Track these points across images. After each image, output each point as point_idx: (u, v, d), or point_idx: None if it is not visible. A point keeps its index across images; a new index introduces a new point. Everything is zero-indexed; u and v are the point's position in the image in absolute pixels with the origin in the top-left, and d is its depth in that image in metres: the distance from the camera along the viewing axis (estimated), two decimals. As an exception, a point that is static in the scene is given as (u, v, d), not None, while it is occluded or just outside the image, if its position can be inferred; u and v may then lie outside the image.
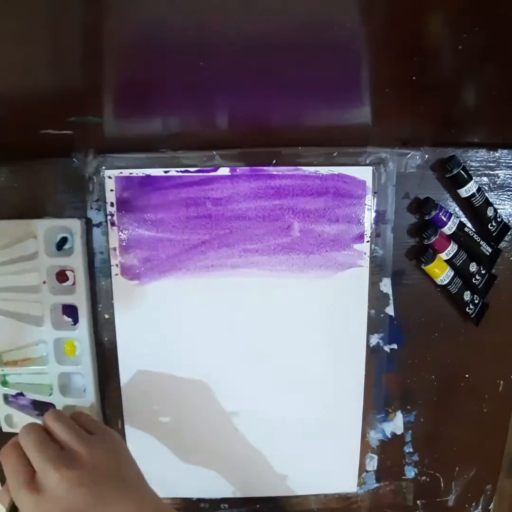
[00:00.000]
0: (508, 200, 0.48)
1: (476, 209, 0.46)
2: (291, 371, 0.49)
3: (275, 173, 0.45)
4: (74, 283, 0.47)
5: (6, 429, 0.49)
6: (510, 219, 0.48)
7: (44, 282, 0.46)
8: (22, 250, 0.46)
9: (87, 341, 0.47)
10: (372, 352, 0.49)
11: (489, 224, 0.47)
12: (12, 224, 0.46)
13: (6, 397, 0.49)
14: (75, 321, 0.47)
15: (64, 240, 0.47)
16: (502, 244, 0.48)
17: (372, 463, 0.52)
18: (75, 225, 0.45)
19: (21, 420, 0.49)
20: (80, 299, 0.46)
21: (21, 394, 0.49)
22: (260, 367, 0.49)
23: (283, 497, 0.52)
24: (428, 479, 0.53)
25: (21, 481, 0.31)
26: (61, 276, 0.47)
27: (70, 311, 0.48)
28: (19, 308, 0.47)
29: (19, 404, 0.49)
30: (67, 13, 0.22)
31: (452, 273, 0.46)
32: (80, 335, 0.47)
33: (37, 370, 0.48)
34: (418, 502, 0.54)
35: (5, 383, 0.49)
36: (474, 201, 0.46)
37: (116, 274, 0.47)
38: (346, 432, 0.51)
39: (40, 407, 0.49)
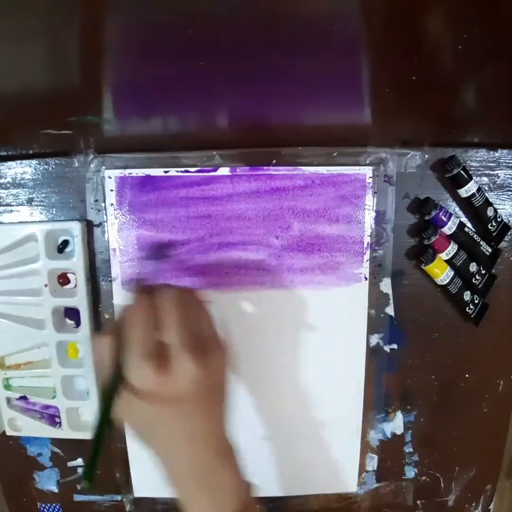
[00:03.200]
0: (508, 200, 0.48)
1: (476, 209, 0.46)
2: (290, 370, 0.49)
3: (275, 173, 0.45)
4: (75, 286, 0.47)
5: (9, 432, 0.49)
6: (510, 219, 0.48)
7: (45, 285, 0.46)
8: (23, 253, 0.46)
9: (90, 344, 0.47)
10: (372, 352, 0.49)
11: (489, 224, 0.47)
12: (13, 227, 0.46)
13: (9, 400, 0.49)
14: (77, 323, 0.47)
15: (65, 243, 0.47)
16: (502, 244, 0.48)
17: (372, 463, 0.52)
18: (76, 228, 0.45)
19: (25, 423, 0.49)
20: (82, 302, 0.46)
21: (24, 397, 0.49)
22: (259, 367, 0.49)
23: (283, 497, 0.52)
24: (428, 479, 0.53)
25: (146, 353, 0.29)
26: (63, 279, 0.47)
27: (72, 313, 0.47)
28: (21, 312, 0.47)
29: (22, 408, 0.49)
30: (67, 13, 0.22)
31: (452, 273, 0.46)
32: (83, 337, 0.47)
33: (40, 373, 0.48)
34: (418, 502, 0.54)
35: (8, 387, 0.49)
36: (474, 201, 0.46)
37: (116, 274, 0.47)
38: (346, 432, 0.51)
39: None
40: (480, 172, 0.47)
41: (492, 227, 0.47)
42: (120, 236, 0.46)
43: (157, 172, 0.45)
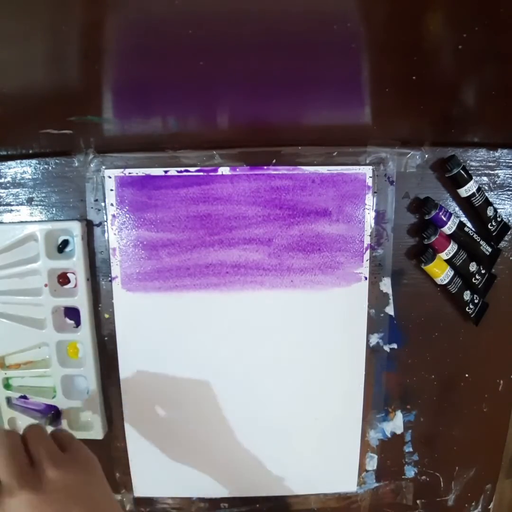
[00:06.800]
0: (508, 199, 0.48)
1: (476, 209, 0.46)
2: (290, 370, 0.49)
3: (275, 173, 0.45)
4: (75, 285, 0.47)
5: None
6: (510, 218, 0.48)
7: (45, 285, 0.46)
8: (23, 253, 0.46)
9: (90, 343, 0.47)
10: (372, 352, 0.49)
11: (489, 224, 0.47)
12: (13, 227, 0.46)
13: (9, 400, 0.49)
14: (77, 323, 0.47)
15: (65, 243, 0.47)
16: (502, 244, 0.48)
17: (372, 463, 0.52)
18: (75, 228, 0.45)
19: (25, 423, 0.49)
20: (82, 301, 0.46)
21: (24, 397, 0.49)
22: (260, 367, 0.49)
23: (283, 497, 0.53)
24: (427, 479, 0.53)
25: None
26: (63, 278, 0.47)
27: (72, 313, 0.48)
28: (21, 311, 0.47)
29: (22, 407, 0.49)
30: (67, 13, 0.22)
31: (452, 273, 0.46)
32: (83, 337, 0.47)
33: (40, 373, 0.48)
34: (418, 501, 0.54)
35: (8, 386, 0.49)
36: (474, 201, 0.46)
37: (116, 274, 0.47)
38: (346, 432, 0.51)
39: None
40: (480, 172, 0.47)
41: (492, 227, 0.47)
42: (120, 236, 0.46)
43: (157, 172, 0.45)
